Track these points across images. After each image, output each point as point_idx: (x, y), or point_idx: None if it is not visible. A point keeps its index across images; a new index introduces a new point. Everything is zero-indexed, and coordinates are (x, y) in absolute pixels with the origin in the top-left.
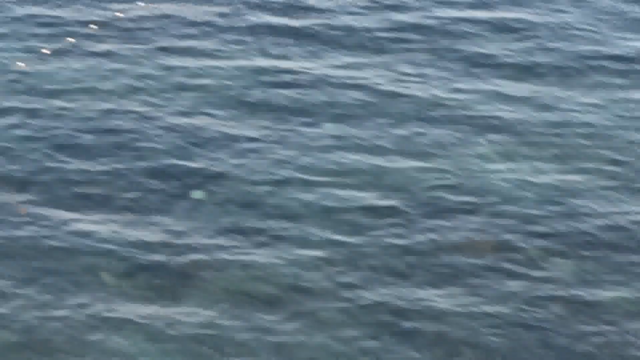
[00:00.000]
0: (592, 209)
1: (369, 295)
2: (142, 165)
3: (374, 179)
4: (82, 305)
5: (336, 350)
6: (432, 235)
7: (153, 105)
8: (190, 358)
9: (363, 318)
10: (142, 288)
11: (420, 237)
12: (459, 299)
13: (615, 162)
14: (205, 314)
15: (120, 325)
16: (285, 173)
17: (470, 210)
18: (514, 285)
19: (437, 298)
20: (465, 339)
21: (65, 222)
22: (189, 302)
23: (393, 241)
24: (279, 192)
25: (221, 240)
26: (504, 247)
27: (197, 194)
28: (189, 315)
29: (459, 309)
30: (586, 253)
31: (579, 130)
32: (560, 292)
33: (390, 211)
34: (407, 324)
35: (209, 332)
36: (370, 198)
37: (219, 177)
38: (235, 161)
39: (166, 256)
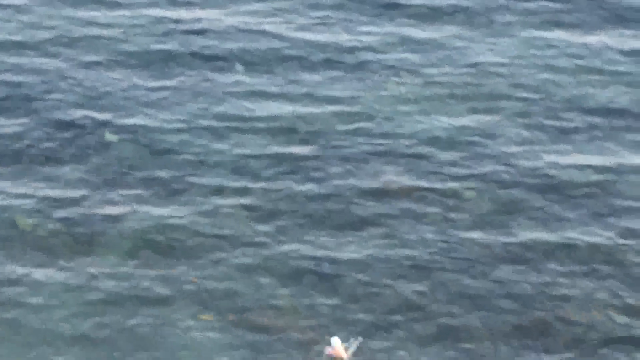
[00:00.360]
0: (505, 149)
1: (286, 242)
2: (53, 118)
3: (288, 126)
4: None
5: (256, 297)
6: (347, 181)
7: (62, 57)
8: (108, 308)
9: (280, 264)
10: (56, 240)
11: (336, 183)
12: (375, 242)
13: (526, 101)
14: (122, 265)
15: (37, 278)
16: (198, 122)
17: (383, 154)
18: (429, 228)
19: (354, 244)
20: (383, 283)
21: None
22: (105, 253)
23: (308, 187)
24: (192, 141)
25: (136, 191)
26: (418, 190)
27: (110, 136)
28: (105, 266)
29: (376, 254)
30: (501, 193)
31: (489, 70)
32: (476, 234)
33: (305, 158)
34: (325, 270)
35: (126, 284)
36: (284, 145)
37: (131, 127)
38: (147, 111)
39: (80, 208)
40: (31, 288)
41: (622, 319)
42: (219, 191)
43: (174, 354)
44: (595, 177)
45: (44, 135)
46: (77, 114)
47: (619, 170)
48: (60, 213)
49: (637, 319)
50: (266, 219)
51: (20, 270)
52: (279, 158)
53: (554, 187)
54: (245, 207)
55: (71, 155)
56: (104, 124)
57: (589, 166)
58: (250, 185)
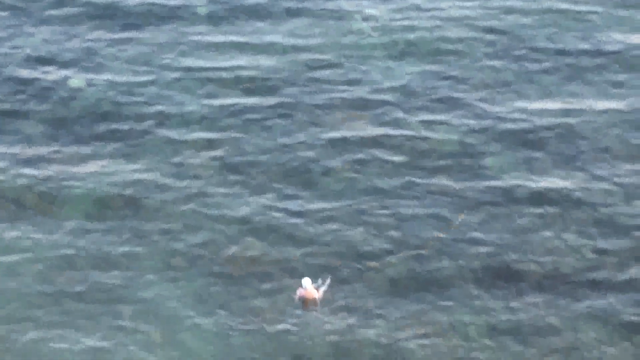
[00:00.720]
0: (470, 95)
1: (254, 194)
2: (15, 74)
3: (253, 77)
4: None
5: (226, 248)
6: (314, 130)
7: (25, 13)
8: (78, 264)
9: (249, 216)
10: (24, 197)
11: (302, 132)
12: (343, 191)
13: (491, 46)
14: (90, 221)
15: (4, 236)
16: (163, 75)
17: (349, 102)
18: (396, 174)
19: (322, 193)
20: (352, 230)
21: None
22: (73, 209)
23: (275, 138)
24: (159, 94)
25: (103, 147)
26: (385, 137)
27: (75, 82)
28: (73, 222)
29: (344, 202)
30: (467, 139)
31: (454, 16)
32: (444, 180)
33: (271, 108)
34: (293, 220)
35: (94, 239)
36: (250, 96)
37: (96, 81)
38: (112, 65)
39: (46, 165)
40: None
41: (590, 261)
42: (186, 144)
43: (145, 306)
44: (561, 121)
45: (7, 91)
46: (40, 69)
47: (585, 114)
48: (27, 170)
49: (605, 260)
50: (234, 170)
51: None
52: (245, 109)
53: (520, 132)
54: (213, 159)
55: (35, 112)
56: (68, 78)
57: (555, 110)
58: (218, 137)
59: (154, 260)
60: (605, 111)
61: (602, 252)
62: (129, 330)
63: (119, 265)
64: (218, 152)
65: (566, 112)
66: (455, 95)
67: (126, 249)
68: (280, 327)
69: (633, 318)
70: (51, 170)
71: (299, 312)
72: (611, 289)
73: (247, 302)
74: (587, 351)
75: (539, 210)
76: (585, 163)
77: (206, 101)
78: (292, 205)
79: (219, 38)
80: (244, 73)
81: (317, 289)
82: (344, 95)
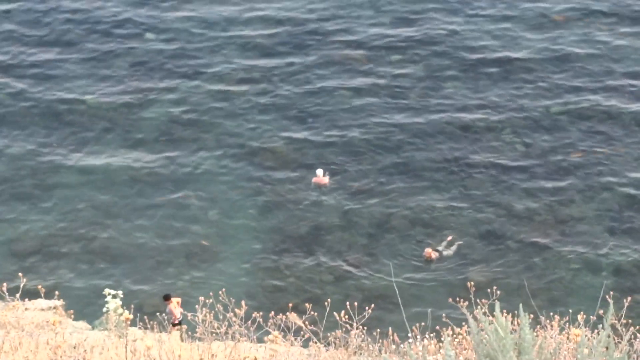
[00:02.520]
0: (430, 15)
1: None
2: None
3: None
4: None
5: (255, 139)
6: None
7: None
8: None
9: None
10: None
11: (298, 54)
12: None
13: None
14: None
15: None
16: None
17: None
18: (376, 102)
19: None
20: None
21: None
22: None
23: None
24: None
25: None
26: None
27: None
28: None
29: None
30: (431, 65)
31: None
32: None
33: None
34: (313, 123)
35: None
36: None
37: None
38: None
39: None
40: None
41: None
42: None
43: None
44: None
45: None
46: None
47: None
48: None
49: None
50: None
51: None
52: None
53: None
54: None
55: None
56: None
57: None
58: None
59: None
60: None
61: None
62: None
63: None
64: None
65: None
66: (416, 16)
67: None
68: (301, 205)
69: None
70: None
71: (314, 193)
72: None
73: (272, 187)
74: None
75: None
76: None
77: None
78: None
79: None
80: None
81: (326, 176)
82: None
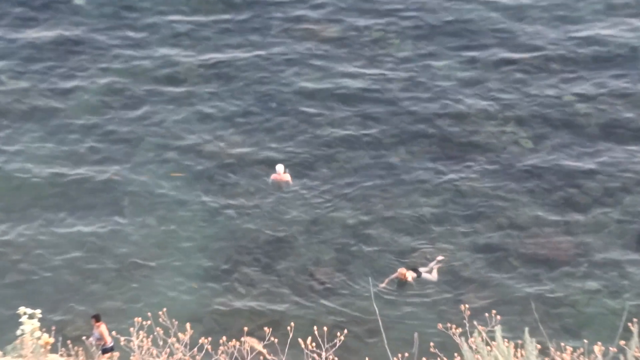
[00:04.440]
0: None
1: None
2: None
3: None
4: None
5: (205, 134)
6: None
7: None
8: None
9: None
10: None
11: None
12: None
13: None
14: None
15: None
16: None
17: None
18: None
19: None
20: (320, 114)
21: None
22: None
23: None
24: None
25: None
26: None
27: None
28: None
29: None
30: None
31: None
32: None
33: None
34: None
35: None
36: None
37: None
38: None
39: None
40: None
41: None
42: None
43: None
44: None
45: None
46: None
47: None
48: None
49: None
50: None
51: None
52: None
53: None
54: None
55: None
56: None
57: None
58: None
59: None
60: None
61: None
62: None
63: None
64: None
65: None
66: None
67: None
68: (257, 210)
69: None
70: None
71: (274, 194)
72: None
73: (230, 178)
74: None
75: None
76: None
77: None
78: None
79: None
80: None
81: (285, 172)
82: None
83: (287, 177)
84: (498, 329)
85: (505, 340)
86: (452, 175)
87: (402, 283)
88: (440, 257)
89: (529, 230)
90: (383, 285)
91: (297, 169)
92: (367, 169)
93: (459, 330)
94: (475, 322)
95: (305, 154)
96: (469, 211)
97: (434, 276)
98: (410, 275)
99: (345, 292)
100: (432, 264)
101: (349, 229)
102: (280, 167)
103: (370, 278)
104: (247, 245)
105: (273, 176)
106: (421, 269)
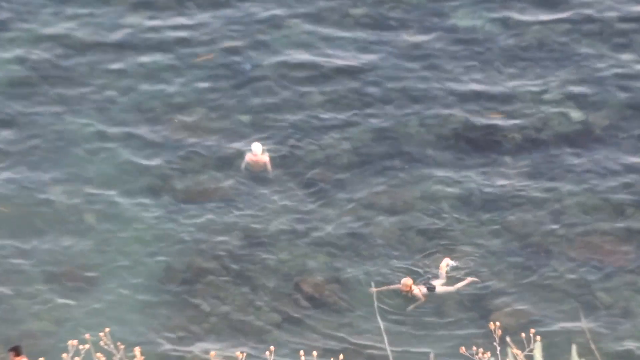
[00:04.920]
0: None
1: None
2: None
3: None
4: None
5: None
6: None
7: None
8: None
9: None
10: None
11: None
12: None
13: None
14: None
15: None
16: None
17: None
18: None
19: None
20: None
21: None
22: None
23: None
24: None
25: None
26: None
27: None
28: None
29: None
30: None
31: None
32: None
33: None
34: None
35: None
36: None
37: None
38: None
39: None
40: None
41: None
42: None
43: None
44: None
45: None
46: None
47: None
48: None
49: None
50: None
51: None
52: None
53: None
54: None
55: None
56: None
57: None
58: None
59: None
60: None
61: None
62: None
63: None
64: None
65: None
66: None
67: None
68: (227, 201)
69: None
70: None
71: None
72: None
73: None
74: None
75: None
76: None
77: None
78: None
79: None
80: None
81: (264, 153)
82: None
83: (266, 158)
84: (538, 351)
85: None
86: (478, 160)
87: (407, 296)
88: (469, 280)
89: (578, 229)
90: (379, 289)
91: (280, 150)
92: (368, 150)
93: (488, 355)
94: (508, 344)
95: (286, 132)
96: (502, 203)
97: (455, 286)
98: (418, 290)
99: (339, 308)
100: (459, 285)
101: (343, 227)
102: (257, 147)
103: (372, 289)
104: (214, 248)
105: (248, 157)
106: (436, 282)
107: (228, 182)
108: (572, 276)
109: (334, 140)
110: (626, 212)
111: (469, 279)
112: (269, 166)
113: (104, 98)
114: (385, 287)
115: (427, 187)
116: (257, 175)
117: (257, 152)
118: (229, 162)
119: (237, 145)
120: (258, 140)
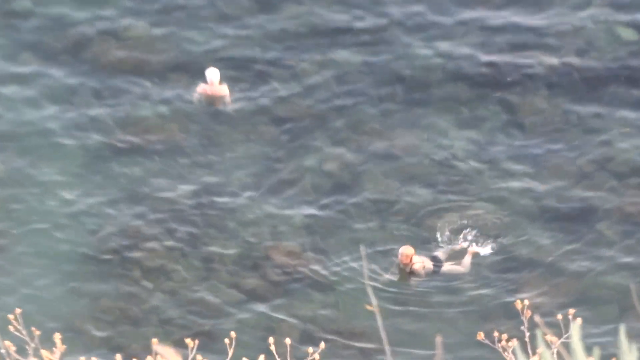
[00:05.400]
0: None
1: None
2: None
3: None
4: None
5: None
6: None
7: None
8: None
9: None
10: None
11: None
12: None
13: None
14: None
15: None
16: None
17: None
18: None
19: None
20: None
21: None
22: None
23: None
24: None
25: None
26: None
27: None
28: None
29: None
30: None
31: None
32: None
33: None
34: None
35: None
36: None
37: None
38: None
39: None
40: None
41: None
42: None
43: None
44: None
45: None
46: None
47: None
48: None
49: None
50: None
51: None
52: None
53: None
54: None
55: None
56: None
57: None
58: None
59: None
60: None
61: None
62: None
63: None
64: None
65: None
66: None
67: None
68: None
69: None
70: None
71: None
72: None
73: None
74: None
75: None
76: None
77: None
78: None
79: None
80: None
81: (221, 83)
82: None
83: (225, 90)
84: (576, 335)
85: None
86: (502, 93)
87: (406, 272)
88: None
89: (630, 180)
90: (388, 276)
91: (241, 78)
92: (356, 78)
93: (513, 342)
94: (539, 328)
95: (251, 53)
96: (533, 150)
97: (464, 265)
98: (420, 265)
99: (320, 284)
100: (459, 244)
101: (325, 178)
102: (213, 73)
103: (363, 256)
104: (157, 207)
105: (201, 88)
106: (441, 254)
107: (175, 120)
108: (629, 241)
109: (312, 66)
110: None
111: (486, 247)
112: (228, 99)
113: None
114: (394, 267)
115: (433, 127)
116: (212, 111)
117: (214, 81)
118: (177, 95)
119: (188, 73)
120: (214, 65)
